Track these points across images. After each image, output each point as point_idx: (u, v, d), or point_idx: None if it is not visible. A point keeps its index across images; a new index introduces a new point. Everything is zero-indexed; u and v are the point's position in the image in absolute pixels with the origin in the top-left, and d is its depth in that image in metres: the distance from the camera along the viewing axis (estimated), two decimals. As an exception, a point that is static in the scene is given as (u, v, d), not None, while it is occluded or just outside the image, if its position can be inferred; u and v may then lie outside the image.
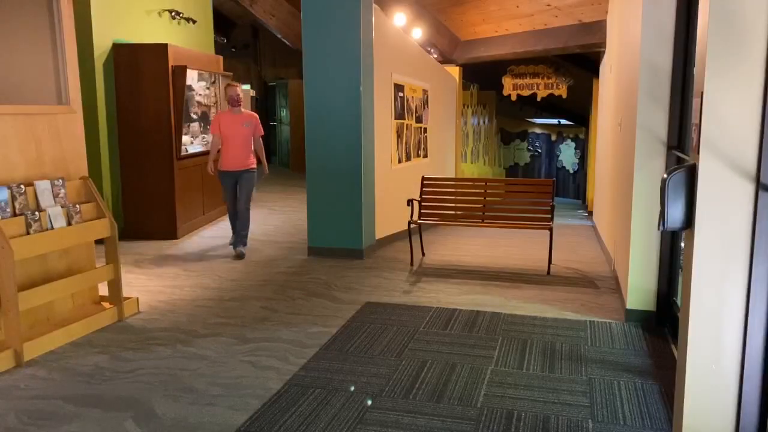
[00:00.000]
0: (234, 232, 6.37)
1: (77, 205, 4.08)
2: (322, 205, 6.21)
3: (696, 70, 2.73)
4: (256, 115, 6.38)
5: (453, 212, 6.28)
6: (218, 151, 6.20)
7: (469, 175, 12.92)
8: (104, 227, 4.26)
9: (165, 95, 6.72)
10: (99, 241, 4.37)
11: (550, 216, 5.68)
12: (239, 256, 6.16)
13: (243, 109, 6.24)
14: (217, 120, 6.15)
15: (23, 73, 3.98)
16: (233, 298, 4.84)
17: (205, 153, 7.81)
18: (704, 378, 2.40)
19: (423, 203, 6.15)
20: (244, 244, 6.36)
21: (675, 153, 3.91)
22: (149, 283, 5.22)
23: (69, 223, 3.99)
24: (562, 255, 6.35)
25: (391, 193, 6.93)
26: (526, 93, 11.94)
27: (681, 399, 2.48)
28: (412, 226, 6.00)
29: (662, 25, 3.96)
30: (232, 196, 6.21)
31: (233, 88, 6.16)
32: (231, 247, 6.43)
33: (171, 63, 6.69)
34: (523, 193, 6.77)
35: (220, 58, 8.39)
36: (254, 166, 6.26)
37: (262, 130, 6.36)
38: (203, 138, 8.02)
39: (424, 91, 8.52)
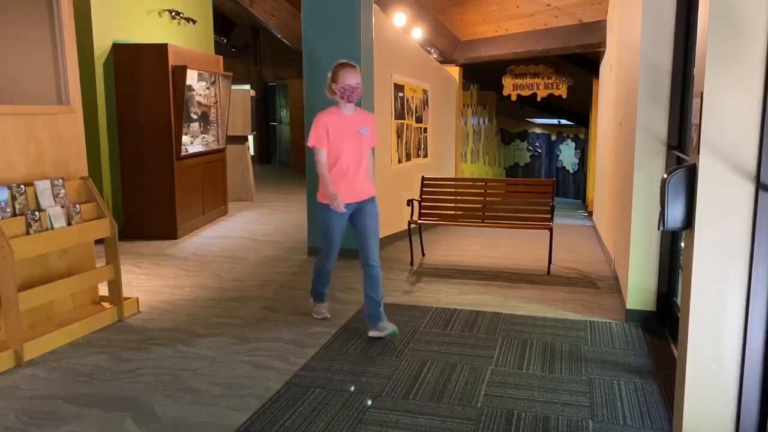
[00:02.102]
0: (315, 294, 4.31)
1: (77, 205, 4.08)
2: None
3: (696, 70, 2.73)
4: (373, 115, 4.30)
5: (453, 212, 6.28)
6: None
7: (469, 175, 12.92)
8: (104, 227, 4.26)
9: (165, 95, 6.72)
10: (99, 241, 4.37)
11: (550, 216, 5.68)
12: (380, 333, 3.92)
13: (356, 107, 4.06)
14: (322, 124, 3.90)
15: (23, 73, 3.98)
16: (233, 298, 4.84)
17: (206, 153, 7.84)
18: (704, 378, 2.40)
19: (423, 203, 6.15)
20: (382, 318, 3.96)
21: (675, 153, 3.91)
22: (149, 283, 5.22)
23: (69, 223, 3.99)
24: (562, 255, 6.35)
25: (391, 193, 6.93)
26: (526, 93, 11.94)
27: (681, 399, 2.48)
28: (412, 226, 6.00)
29: (662, 25, 3.96)
30: (339, 242, 4.05)
31: (351, 69, 3.88)
32: (373, 329, 3.97)
33: (171, 63, 6.68)
34: (523, 193, 6.78)
35: (220, 58, 8.39)
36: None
37: (377, 139, 4.22)
38: (203, 138, 8.03)
39: (424, 91, 8.52)
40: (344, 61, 3.96)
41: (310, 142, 3.93)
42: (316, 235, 6.25)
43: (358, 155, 3.96)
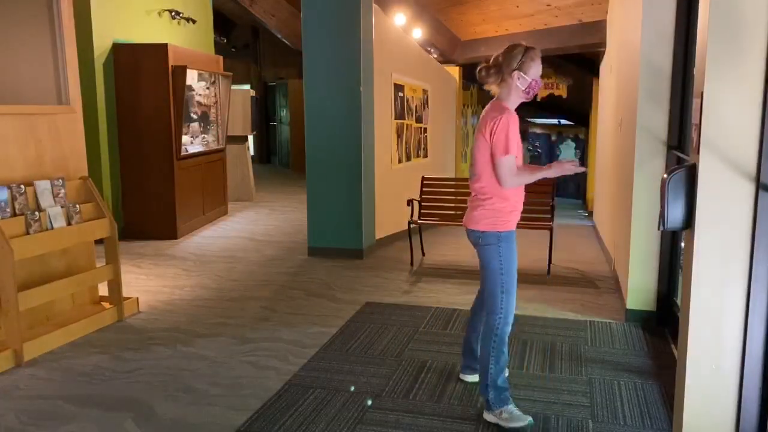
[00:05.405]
0: (497, 389, 2.89)
1: (77, 205, 4.08)
2: (322, 205, 6.21)
3: (696, 70, 2.73)
4: None
5: (453, 212, 6.27)
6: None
7: (469, 175, 12.91)
8: (104, 227, 4.26)
9: (165, 95, 6.72)
10: (99, 241, 4.37)
11: (550, 216, 5.68)
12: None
13: None
14: (514, 128, 2.79)
15: (23, 73, 3.98)
16: (233, 298, 4.84)
17: (206, 153, 7.84)
18: (704, 378, 2.40)
19: (423, 203, 6.15)
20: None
21: (675, 153, 3.91)
22: (149, 283, 5.22)
23: (69, 223, 3.99)
24: (562, 255, 6.34)
25: (391, 193, 6.93)
26: (526, 93, 11.93)
27: (681, 399, 2.48)
28: (412, 226, 6.00)
29: (662, 25, 3.96)
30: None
31: (540, 58, 2.80)
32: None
33: (171, 63, 6.68)
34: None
35: (220, 58, 8.39)
36: None
37: None
38: (203, 138, 8.03)
39: (424, 91, 8.52)
40: (531, 45, 2.82)
41: (509, 150, 2.76)
42: (316, 235, 6.26)
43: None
